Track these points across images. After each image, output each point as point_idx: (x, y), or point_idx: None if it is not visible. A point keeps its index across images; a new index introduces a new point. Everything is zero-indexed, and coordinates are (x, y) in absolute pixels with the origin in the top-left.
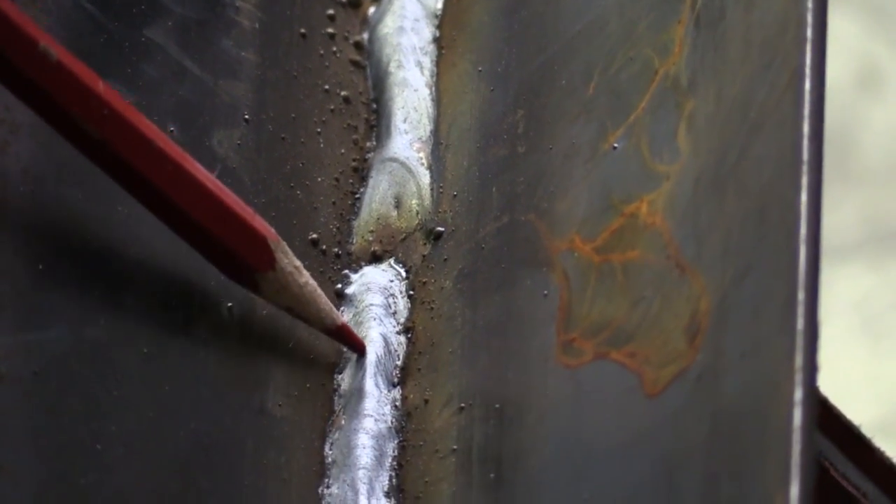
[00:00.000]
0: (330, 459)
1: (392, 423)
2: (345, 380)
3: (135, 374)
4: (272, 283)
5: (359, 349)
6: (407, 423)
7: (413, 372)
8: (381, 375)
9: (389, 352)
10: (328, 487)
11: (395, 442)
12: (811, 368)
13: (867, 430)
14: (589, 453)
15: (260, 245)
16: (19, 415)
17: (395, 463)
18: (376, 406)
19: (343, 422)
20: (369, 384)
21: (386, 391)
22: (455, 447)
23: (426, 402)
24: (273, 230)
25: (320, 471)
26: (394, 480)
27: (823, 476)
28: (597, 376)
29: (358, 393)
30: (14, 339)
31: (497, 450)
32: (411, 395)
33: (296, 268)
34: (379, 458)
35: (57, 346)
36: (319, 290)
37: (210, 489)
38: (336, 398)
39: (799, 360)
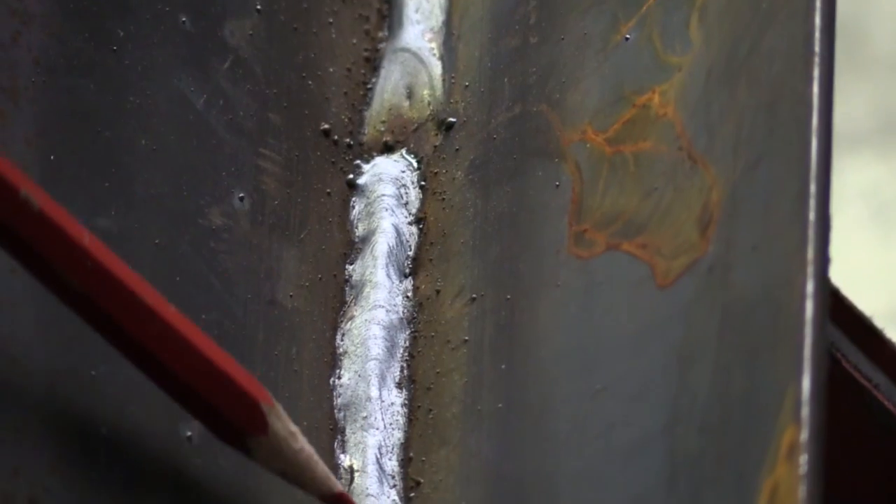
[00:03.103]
0: (341, 350)
1: (403, 313)
2: (356, 270)
3: (145, 266)
4: (264, 448)
5: None
6: (418, 314)
7: (425, 262)
8: (393, 266)
9: (401, 242)
10: (339, 378)
11: (407, 332)
12: (823, 260)
13: (879, 321)
14: (600, 344)
15: (252, 408)
16: (31, 307)
17: (406, 354)
18: (388, 297)
19: (354, 313)
20: (381, 275)
21: (397, 282)
22: (466, 338)
23: (438, 292)
24: (267, 392)
25: (331, 362)
26: (405, 371)
27: (835, 367)
28: (609, 267)
29: (369, 283)
30: None
31: (509, 341)
32: (423, 286)
33: (290, 433)
34: (390, 348)
35: None
36: (316, 457)
37: None
38: (347, 289)
39: (810, 252)
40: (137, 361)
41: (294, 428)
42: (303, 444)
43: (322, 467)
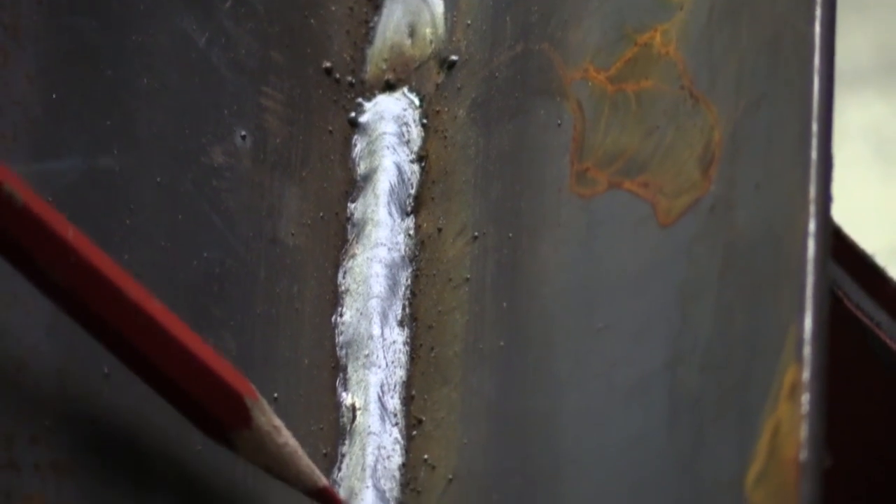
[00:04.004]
0: (343, 288)
1: (405, 251)
2: (358, 208)
3: (147, 204)
4: (248, 442)
5: None
6: (420, 252)
7: (426, 201)
8: (395, 204)
9: (403, 180)
10: (341, 316)
11: (409, 271)
12: (825, 199)
13: (880, 259)
14: (602, 283)
15: (235, 402)
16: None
17: (408, 292)
18: (389, 235)
19: (356, 251)
20: (382, 213)
21: (399, 220)
22: (468, 276)
23: (440, 230)
24: (251, 386)
25: (333, 300)
26: (407, 309)
27: (837, 306)
28: (610, 206)
29: (371, 222)
30: (28, 169)
31: (510, 279)
32: (425, 224)
33: (274, 427)
34: (392, 286)
35: (70, 176)
36: (300, 451)
37: (222, 318)
38: (349, 227)
39: (812, 191)
40: (120, 355)
41: (278, 422)
42: (287, 437)
43: (306, 461)
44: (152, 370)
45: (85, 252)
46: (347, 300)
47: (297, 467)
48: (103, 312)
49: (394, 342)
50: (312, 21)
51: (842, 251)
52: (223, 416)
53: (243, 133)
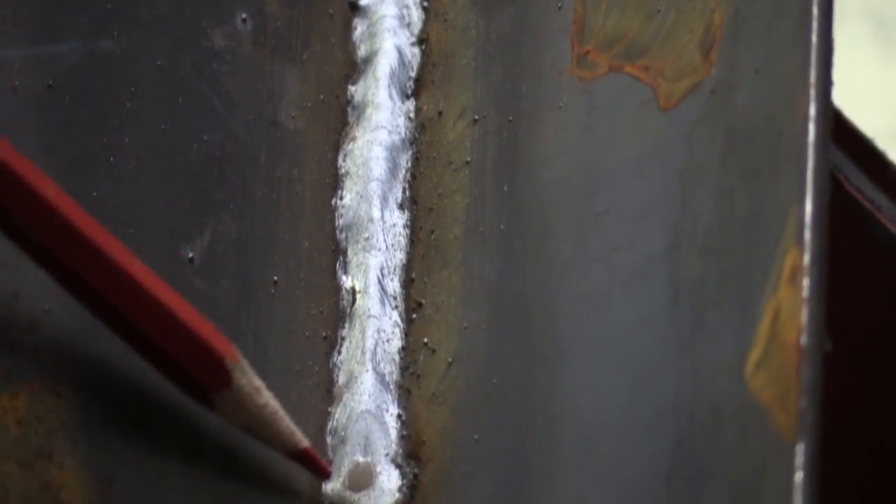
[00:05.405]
0: (343, 171)
1: (405, 134)
2: (358, 91)
3: (148, 87)
4: (228, 403)
5: (323, 475)
6: (420, 135)
7: (427, 83)
8: (395, 87)
9: (403, 63)
10: (341, 199)
11: (409, 154)
12: (825, 83)
13: (881, 141)
14: (603, 166)
15: (216, 364)
16: (33, 128)
17: (408, 175)
18: (390, 118)
19: (356, 133)
20: (383, 96)
21: (400, 103)
22: (469, 159)
23: (440, 113)
24: (232, 347)
25: (333, 183)
26: (407, 192)
27: (837, 190)
28: (611, 89)
29: (371, 104)
30: (27, 53)
31: (511, 162)
32: (425, 107)
33: (255, 388)
34: (392, 169)
35: (70, 59)
36: (281, 412)
37: (222, 201)
38: (349, 110)
39: (813, 74)
40: (101, 315)
41: (259, 383)
42: (267, 399)
43: (287, 423)
44: (132, 330)
45: (65, 211)
46: (347, 183)
47: (278, 428)
48: (83, 272)
49: (394, 225)
50: None
51: (842, 135)
52: (203, 377)
53: (244, 16)
